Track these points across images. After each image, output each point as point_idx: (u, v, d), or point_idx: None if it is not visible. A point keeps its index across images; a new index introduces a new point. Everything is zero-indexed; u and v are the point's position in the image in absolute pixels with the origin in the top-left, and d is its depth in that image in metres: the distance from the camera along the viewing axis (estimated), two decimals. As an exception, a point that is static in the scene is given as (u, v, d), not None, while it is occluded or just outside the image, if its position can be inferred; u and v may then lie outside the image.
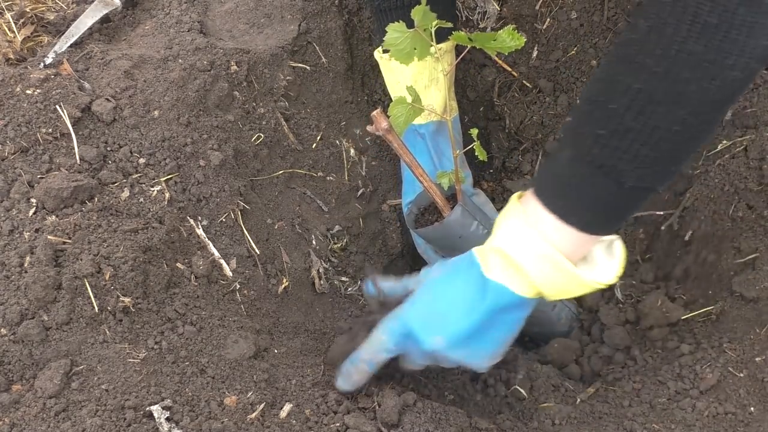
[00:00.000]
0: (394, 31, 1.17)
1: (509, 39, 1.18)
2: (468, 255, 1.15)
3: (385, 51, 1.55)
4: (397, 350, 1.19)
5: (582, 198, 1.02)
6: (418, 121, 1.58)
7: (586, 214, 1.03)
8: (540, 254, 1.05)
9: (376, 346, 1.20)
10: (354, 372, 1.22)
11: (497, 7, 1.79)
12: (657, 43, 0.90)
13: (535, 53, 1.80)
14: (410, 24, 1.17)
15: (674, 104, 0.92)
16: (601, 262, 1.09)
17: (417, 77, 1.53)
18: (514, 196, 1.12)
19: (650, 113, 0.92)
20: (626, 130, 0.94)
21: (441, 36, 1.21)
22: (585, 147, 0.98)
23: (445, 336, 1.13)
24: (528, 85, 1.82)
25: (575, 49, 1.76)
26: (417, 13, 1.14)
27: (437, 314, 1.15)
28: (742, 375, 1.30)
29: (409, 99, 1.25)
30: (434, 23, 1.16)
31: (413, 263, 1.81)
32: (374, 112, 1.27)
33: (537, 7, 1.77)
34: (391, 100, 1.51)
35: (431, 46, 1.19)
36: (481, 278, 1.11)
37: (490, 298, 1.10)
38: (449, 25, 1.16)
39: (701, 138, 0.98)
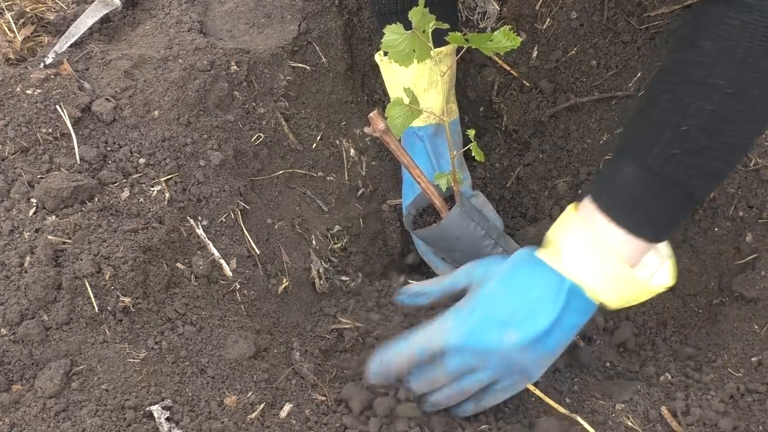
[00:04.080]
0: (392, 33, 1.16)
1: (505, 39, 1.18)
2: (530, 255, 1.14)
3: (385, 54, 1.55)
4: (457, 345, 1.11)
5: (654, 212, 1.07)
6: (417, 123, 1.58)
7: (657, 226, 1.08)
8: (612, 274, 1.08)
9: (437, 332, 1.13)
10: (395, 361, 1.14)
11: (497, 7, 1.79)
12: (728, 65, 0.94)
13: (535, 53, 1.80)
14: (409, 26, 1.17)
15: (746, 121, 0.97)
16: (651, 264, 1.13)
17: (416, 80, 1.53)
18: (570, 208, 1.14)
19: (724, 132, 0.98)
20: (701, 148, 0.99)
21: (439, 38, 1.21)
22: (657, 166, 1.02)
23: (520, 332, 1.09)
24: (528, 84, 1.82)
25: (575, 49, 1.76)
26: (415, 14, 1.14)
27: (512, 309, 1.11)
28: (740, 375, 1.30)
29: (407, 101, 1.25)
30: (431, 24, 1.16)
31: (413, 263, 1.81)
32: (371, 114, 1.27)
33: (537, 7, 1.77)
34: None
35: (430, 48, 1.19)
36: (559, 279, 1.10)
37: (565, 299, 1.09)
38: (446, 26, 1.16)
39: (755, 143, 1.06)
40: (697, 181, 1.02)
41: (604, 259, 1.08)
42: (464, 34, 1.18)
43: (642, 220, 1.07)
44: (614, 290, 1.10)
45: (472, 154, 1.33)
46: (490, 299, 1.13)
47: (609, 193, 1.10)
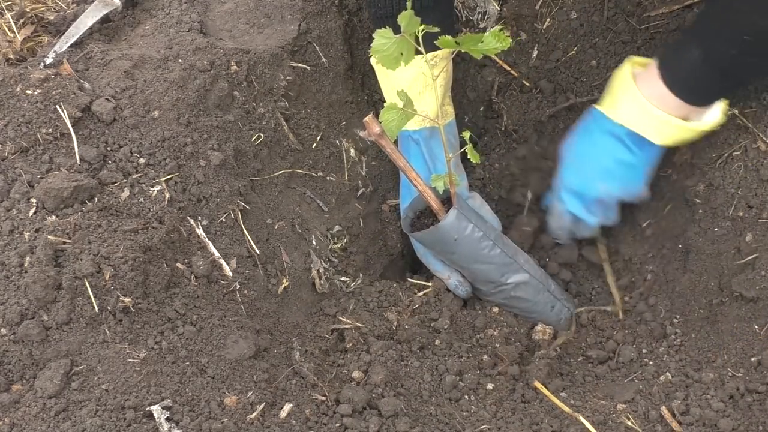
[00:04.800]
0: (381, 37, 1.17)
1: (495, 41, 1.18)
2: (596, 115, 1.55)
3: None
4: (573, 214, 1.63)
5: (706, 89, 1.44)
6: (412, 126, 1.58)
7: (708, 98, 1.45)
8: (661, 123, 1.45)
9: (558, 218, 1.67)
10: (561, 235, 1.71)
11: (497, 7, 1.79)
12: None
13: (535, 53, 1.80)
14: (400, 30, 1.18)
15: None
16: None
17: (412, 83, 1.53)
18: (627, 69, 1.50)
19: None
20: (755, 53, 1.31)
21: (434, 41, 1.21)
22: (717, 58, 1.35)
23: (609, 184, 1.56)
24: (528, 84, 1.82)
25: (575, 49, 1.76)
26: (403, 18, 1.14)
27: (590, 168, 1.57)
28: (740, 375, 1.30)
29: (401, 104, 1.25)
30: (421, 28, 1.16)
31: (413, 263, 1.81)
32: (366, 118, 1.27)
33: (537, 7, 1.77)
34: (389, 103, 1.50)
35: (420, 52, 1.19)
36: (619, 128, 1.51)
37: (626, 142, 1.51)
38: (436, 29, 1.16)
39: None
40: (749, 76, 1.42)
41: (654, 112, 1.45)
42: (462, 34, 1.18)
43: (696, 94, 1.43)
44: (662, 133, 1.47)
45: (468, 157, 1.33)
46: (574, 169, 1.62)
47: (673, 68, 1.44)
